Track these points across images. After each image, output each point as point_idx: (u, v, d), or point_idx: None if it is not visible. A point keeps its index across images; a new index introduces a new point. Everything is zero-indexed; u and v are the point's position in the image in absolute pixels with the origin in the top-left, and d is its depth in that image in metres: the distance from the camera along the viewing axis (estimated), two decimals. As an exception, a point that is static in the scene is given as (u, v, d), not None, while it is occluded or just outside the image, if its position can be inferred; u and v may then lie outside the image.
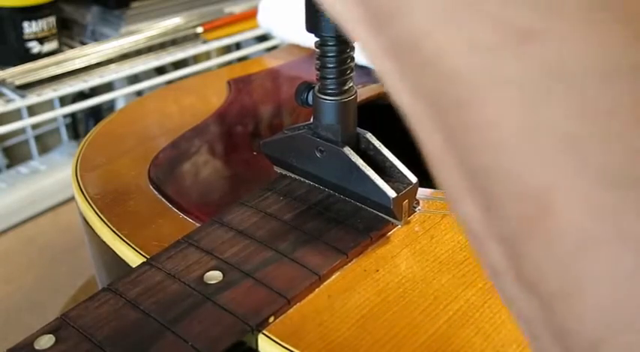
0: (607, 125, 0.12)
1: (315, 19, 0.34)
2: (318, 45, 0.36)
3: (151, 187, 0.42)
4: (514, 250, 0.14)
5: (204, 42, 0.93)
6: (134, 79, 0.91)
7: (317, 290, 0.32)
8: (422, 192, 0.39)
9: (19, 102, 0.77)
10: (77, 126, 0.99)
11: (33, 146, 0.91)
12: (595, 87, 0.12)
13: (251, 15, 0.90)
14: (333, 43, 0.35)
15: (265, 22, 0.73)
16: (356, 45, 0.37)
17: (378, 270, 0.33)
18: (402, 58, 0.14)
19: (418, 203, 0.38)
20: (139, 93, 0.92)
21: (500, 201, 0.13)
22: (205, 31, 0.93)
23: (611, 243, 0.12)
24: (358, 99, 0.38)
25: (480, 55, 0.12)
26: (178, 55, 0.90)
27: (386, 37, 0.14)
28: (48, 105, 0.89)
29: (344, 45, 0.35)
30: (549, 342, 0.14)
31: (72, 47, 0.87)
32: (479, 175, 0.13)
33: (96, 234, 0.39)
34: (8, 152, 0.92)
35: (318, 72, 0.37)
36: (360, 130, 0.38)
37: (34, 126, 0.91)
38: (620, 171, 0.12)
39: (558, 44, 0.12)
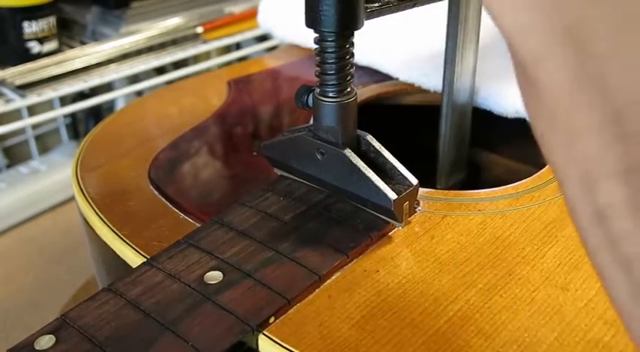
0: None
1: (314, 13, 0.34)
2: (318, 40, 0.36)
3: (151, 187, 0.42)
4: None
5: (204, 42, 0.93)
6: (134, 78, 0.91)
7: (317, 290, 0.32)
8: (422, 193, 0.39)
9: (19, 102, 0.77)
10: (77, 126, 0.99)
11: (33, 146, 0.91)
12: None
13: (251, 15, 0.91)
14: (332, 39, 0.35)
15: (265, 22, 0.73)
16: None
17: (378, 271, 0.33)
18: None
19: (418, 203, 0.38)
20: (139, 93, 0.92)
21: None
22: (205, 31, 0.93)
23: None
24: (358, 100, 0.38)
25: None
26: (178, 55, 0.90)
27: None
28: (48, 105, 0.89)
29: (343, 40, 0.35)
30: None
31: (72, 47, 0.87)
32: (626, 105, 0.13)
33: (96, 234, 0.39)
34: (8, 152, 0.92)
35: (317, 68, 0.37)
36: (360, 132, 0.38)
37: (34, 126, 0.91)
38: None
39: None
